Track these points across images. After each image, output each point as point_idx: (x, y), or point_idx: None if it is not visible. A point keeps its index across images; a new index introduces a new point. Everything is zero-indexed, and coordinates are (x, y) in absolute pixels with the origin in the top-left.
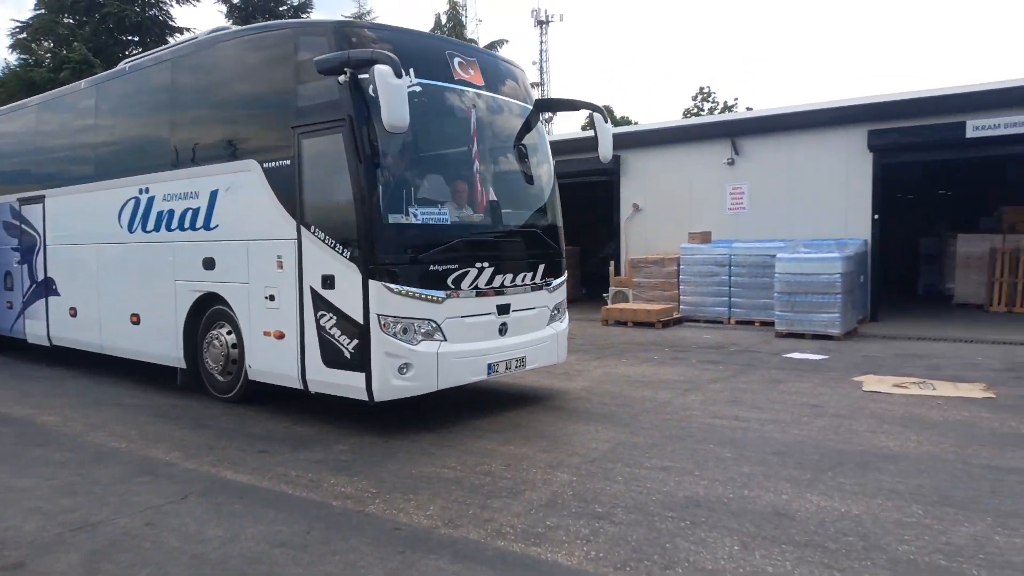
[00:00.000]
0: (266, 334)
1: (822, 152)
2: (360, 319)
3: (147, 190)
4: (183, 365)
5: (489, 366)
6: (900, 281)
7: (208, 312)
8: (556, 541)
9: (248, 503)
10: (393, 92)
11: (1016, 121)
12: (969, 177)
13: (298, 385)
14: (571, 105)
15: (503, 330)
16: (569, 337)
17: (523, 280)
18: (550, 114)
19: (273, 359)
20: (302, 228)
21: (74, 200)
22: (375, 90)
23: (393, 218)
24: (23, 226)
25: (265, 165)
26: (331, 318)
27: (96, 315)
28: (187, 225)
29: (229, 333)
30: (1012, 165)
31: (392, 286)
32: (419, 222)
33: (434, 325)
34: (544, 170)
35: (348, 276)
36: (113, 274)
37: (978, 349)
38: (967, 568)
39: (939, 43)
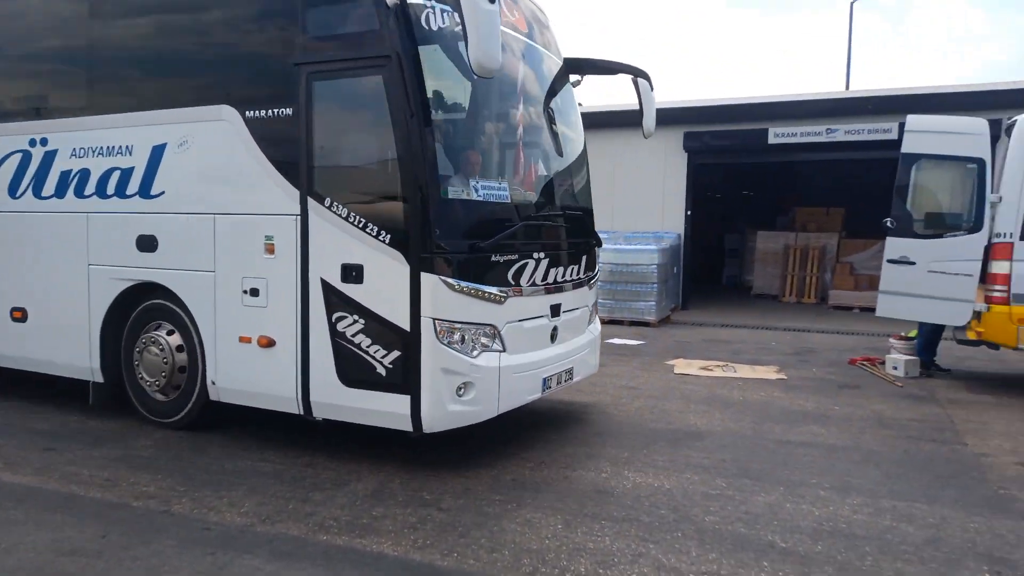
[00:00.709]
0: (243, 340)
1: (643, 150)
2: (404, 324)
3: (44, 142)
4: (99, 378)
5: (544, 381)
6: (707, 273)
7: (140, 308)
8: (383, 531)
9: (30, 508)
10: (486, 22)
11: (810, 131)
12: (768, 179)
13: (294, 409)
14: (607, 68)
15: (554, 336)
16: None
17: (572, 274)
18: (578, 77)
19: (254, 374)
20: (310, 201)
21: None
22: (430, 20)
23: (453, 192)
24: None
25: (248, 114)
26: (355, 322)
27: None
28: (111, 191)
29: (171, 334)
30: (805, 169)
31: (451, 281)
32: (480, 198)
33: (493, 331)
34: (580, 141)
35: (386, 267)
36: None
37: (772, 335)
38: (763, 534)
39: (749, 55)
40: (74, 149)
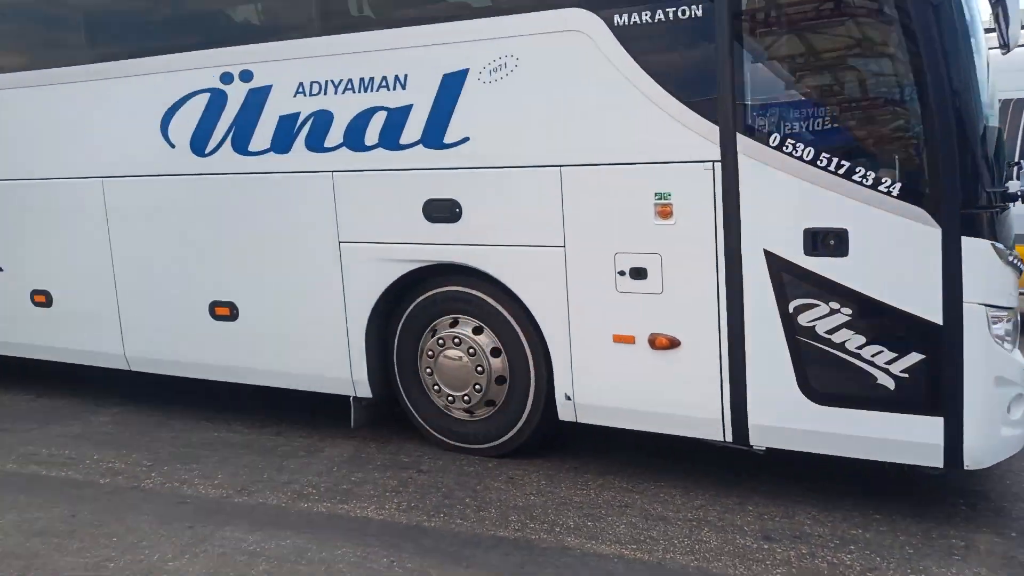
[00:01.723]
0: (620, 340)
1: None
2: (932, 314)
3: (246, 76)
4: (366, 392)
5: None
6: None
7: (422, 298)
8: (364, 496)
9: None
10: None
11: None
12: None
13: (716, 434)
14: None
15: None
16: None
17: None
18: None
19: (641, 386)
20: (741, 140)
21: (26, 98)
22: None
23: (992, 116)
24: None
25: (617, 20)
26: (835, 312)
27: (107, 305)
28: (373, 140)
29: (478, 332)
30: None
31: (1002, 248)
32: (995, 125)
33: (1015, 318)
34: None
35: (894, 230)
36: (146, 231)
37: None
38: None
39: None
40: (300, 85)
